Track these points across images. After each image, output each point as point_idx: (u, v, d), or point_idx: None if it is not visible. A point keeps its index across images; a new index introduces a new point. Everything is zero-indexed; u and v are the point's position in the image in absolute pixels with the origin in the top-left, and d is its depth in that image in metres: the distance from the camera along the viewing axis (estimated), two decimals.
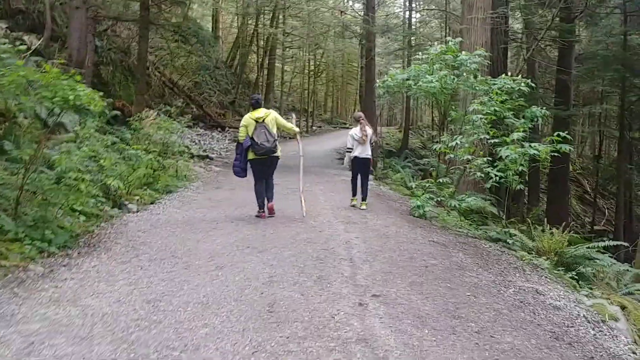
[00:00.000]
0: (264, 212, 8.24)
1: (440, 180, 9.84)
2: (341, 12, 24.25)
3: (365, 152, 9.28)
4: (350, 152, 9.44)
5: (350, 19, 25.81)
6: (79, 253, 5.74)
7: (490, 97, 9.87)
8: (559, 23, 17.56)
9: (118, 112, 13.32)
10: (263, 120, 7.80)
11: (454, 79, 11.43)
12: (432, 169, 14.51)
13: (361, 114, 10.23)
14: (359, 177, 9.46)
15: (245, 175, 8.17)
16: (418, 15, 30.65)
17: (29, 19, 17.16)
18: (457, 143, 8.85)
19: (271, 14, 31.75)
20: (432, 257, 6.18)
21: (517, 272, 6.06)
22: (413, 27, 26.21)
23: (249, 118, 7.94)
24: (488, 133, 8.62)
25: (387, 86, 12.27)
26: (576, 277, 6.45)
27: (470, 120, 9.34)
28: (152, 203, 9.27)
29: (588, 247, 7.17)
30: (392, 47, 26.45)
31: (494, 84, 10.86)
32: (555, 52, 23.21)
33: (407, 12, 27.76)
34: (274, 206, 8.36)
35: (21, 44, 15.87)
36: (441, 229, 8.53)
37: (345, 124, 44.77)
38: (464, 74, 11.63)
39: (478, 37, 15.41)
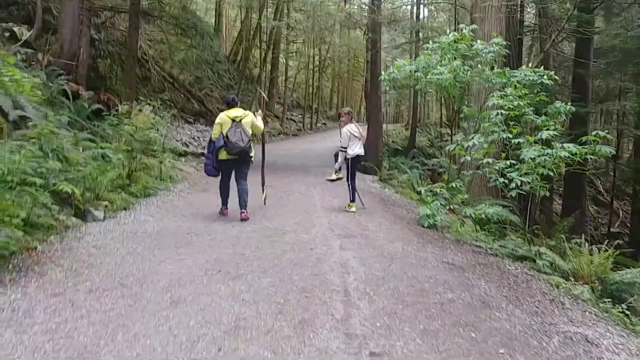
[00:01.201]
0: (227, 208, 7.95)
1: (453, 184, 8.50)
2: (345, 1, 22.75)
3: (361, 149, 8.84)
4: (344, 150, 8.83)
5: (355, 10, 24.39)
6: (1, 281, 4.46)
7: (509, 91, 8.56)
8: (578, 13, 16.11)
9: (100, 106, 12.01)
10: (240, 120, 7.45)
11: (467, 70, 10.11)
12: (441, 170, 13.15)
13: (350, 109, 9.71)
14: (353, 176, 8.91)
15: (217, 175, 7.80)
16: (426, 11, 29.29)
17: (24, 9, 16.01)
18: (473, 143, 7.49)
19: (275, 7, 30.41)
20: (448, 289, 4.85)
21: (556, 308, 4.71)
22: (420, 20, 24.76)
23: (225, 116, 7.51)
24: (510, 132, 7.27)
25: (393, 79, 10.95)
26: (627, 310, 5.10)
27: (488, 116, 8.00)
28: (124, 209, 7.98)
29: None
30: (399, 40, 25.01)
31: (514, 77, 9.56)
32: (569, 46, 21.82)
33: (415, 6, 26.31)
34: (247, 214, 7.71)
35: (9, 35, 14.66)
36: (455, 243, 7.20)
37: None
38: (479, 65, 10.32)
39: (492, 26, 14.03)
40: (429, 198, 8.61)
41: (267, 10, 30.21)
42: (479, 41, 10.19)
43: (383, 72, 11.40)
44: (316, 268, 5.24)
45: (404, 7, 26.44)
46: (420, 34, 23.14)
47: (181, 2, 23.93)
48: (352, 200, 8.86)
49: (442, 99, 26.56)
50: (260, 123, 7.88)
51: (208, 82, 29.27)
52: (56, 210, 6.58)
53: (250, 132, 7.56)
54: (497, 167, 6.83)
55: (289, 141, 25.91)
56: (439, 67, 9.99)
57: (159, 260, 5.34)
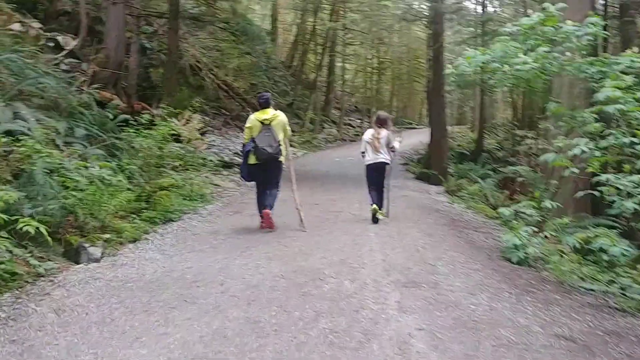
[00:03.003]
0: (266, 210, 7.02)
1: (548, 204, 6.36)
2: None
3: (379, 157, 7.85)
4: (364, 155, 8.13)
5: (415, 2, 22.17)
6: None
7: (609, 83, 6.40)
8: None
9: (128, 116, 10.53)
10: (269, 123, 6.88)
11: (558, 57, 7.95)
12: (521, 179, 10.90)
13: (385, 114, 8.60)
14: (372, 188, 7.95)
15: (250, 179, 7.28)
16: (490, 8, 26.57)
17: (75, 20, 14.90)
18: (582, 150, 5.32)
19: (331, 8, 28.66)
20: None
21: None
22: (485, 12, 22.26)
23: (254, 119, 6.99)
24: (635, 134, 5.10)
25: (462, 73, 8.90)
26: None
27: (592, 115, 5.87)
28: (133, 241, 6.37)
29: None
30: (464, 35, 22.59)
31: (615, 64, 7.37)
32: None
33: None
34: (272, 218, 7.07)
35: (54, 45, 13.51)
36: (561, 290, 5.08)
37: (411, 124, 41.01)
38: (567, 52, 8.12)
39: (575, 7, 11.58)
40: (515, 222, 6.52)
41: (322, 13, 28.54)
42: (568, 22, 7.97)
43: (449, 66, 9.38)
44: (361, 351, 3.33)
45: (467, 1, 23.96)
46: (488, 27, 20.74)
47: (232, 6, 22.51)
48: (380, 207, 7.91)
49: (512, 98, 23.92)
50: (289, 134, 7.30)
51: (263, 89, 27.82)
52: (28, 251, 5.00)
53: (282, 135, 6.97)
54: (622, 185, 4.66)
55: (345, 147, 23.98)
56: (520, 55, 7.87)
57: (134, 336, 3.58)
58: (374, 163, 7.89)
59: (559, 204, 6.56)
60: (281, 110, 7.49)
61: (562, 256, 6.14)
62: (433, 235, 6.93)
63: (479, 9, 23.77)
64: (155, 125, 8.72)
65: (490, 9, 24.94)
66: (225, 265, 5.37)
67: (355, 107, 37.73)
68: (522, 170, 9.78)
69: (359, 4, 27.97)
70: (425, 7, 19.09)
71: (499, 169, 15.46)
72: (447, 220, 8.25)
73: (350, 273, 5.08)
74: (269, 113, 6.94)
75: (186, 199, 8.70)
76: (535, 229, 6.29)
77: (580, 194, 5.69)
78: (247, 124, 7.02)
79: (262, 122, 6.86)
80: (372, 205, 7.78)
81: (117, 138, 9.10)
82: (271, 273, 5.07)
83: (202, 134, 18.08)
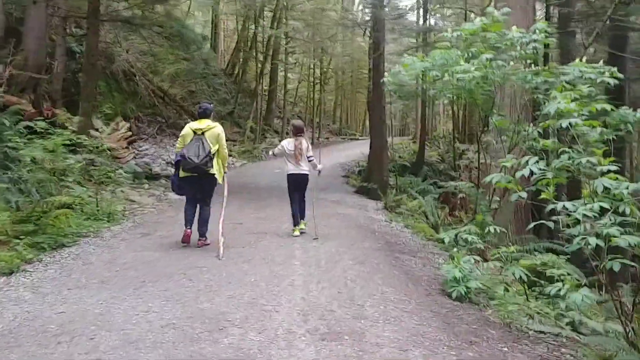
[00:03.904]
0: (190, 229, 6.59)
1: (492, 229, 5.58)
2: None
3: (300, 168, 7.56)
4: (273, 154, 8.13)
5: (356, 11, 21.54)
6: None
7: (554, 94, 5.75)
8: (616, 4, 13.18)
9: (30, 123, 9.21)
10: (202, 133, 6.48)
11: (502, 66, 7.31)
12: (462, 195, 10.22)
13: (301, 123, 8.29)
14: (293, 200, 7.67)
15: (184, 194, 6.77)
16: (432, 20, 26.31)
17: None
18: (537, 170, 4.50)
19: (272, 15, 27.76)
20: None
21: None
22: (427, 22, 21.86)
23: (188, 128, 6.62)
24: (593, 153, 4.35)
25: (399, 82, 8.17)
26: None
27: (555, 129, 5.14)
28: (9, 273, 5.22)
29: None
30: (405, 45, 22.12)
31: (564, 74, 6.78)
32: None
33: (422, 9, 23.46)
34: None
35: None
36: (510, 340, 4.24)
37: (354, 134, 40.48)
38: (510, 62, 7.50)
39: (519, 18, 11.13)
40: (455, 249, 5.72)
41: (263, 20, 27.60)
42: (514, 28, 7.33)
43: (386, 74, 8.62)
44: None
45: (408, 7, 23.51)
46: (429, 39, 20.34)
47: (166, 9, 21.20)
48: (302, 217, 7.83)
49: (453, 109, 23.61)
50: (225, 150, 6.76)
51: (202, 97, 26.52)
52: None
53: (214, 147, 6.48)
54: (580, 214, 3.87)
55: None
56: (461, 62, 7.15)
57: None
58: (296, 174, 7.55)
59: (502, 229, 5.80)
60: (222, 119, 7.04)
61: (507, 289, 5.36)
62: (366, 264, 6.03)
63: (421, 21, 23.49)
64: (50, 134, 7.50)
65: (432, 21, 24.76)
66: (107, 310, 4.28)
67: (299, 116, 36.89)
68: (463, 186, 9.06)
69: (301, 13, 27.22)
70: (366, 13, 18.37)
71: (440, 183, 14.88)
72: (383, 244, 7.38)
73: (260, 319, 4.10)
74: (204, 123, 6.56)
75: (89, 218, 7.54)
76: (477, 258, 5.49)
77: (531, 225, 4.89)
78: (182, 132, 6.65)
79: (194, 132, 6.48)
80: (295, 226, 7.65)
81: (12, 148, 7.81)
82: (162, 320, 4.03)
83: (130, 142, 16.75)
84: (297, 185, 7.62)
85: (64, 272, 5.41)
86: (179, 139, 6.70)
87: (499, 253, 5.49)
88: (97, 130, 12.72)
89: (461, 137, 24.85)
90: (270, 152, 8.47)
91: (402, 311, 4.49)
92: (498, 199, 8.49)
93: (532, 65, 7.56)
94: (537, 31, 7.06)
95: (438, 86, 8.04)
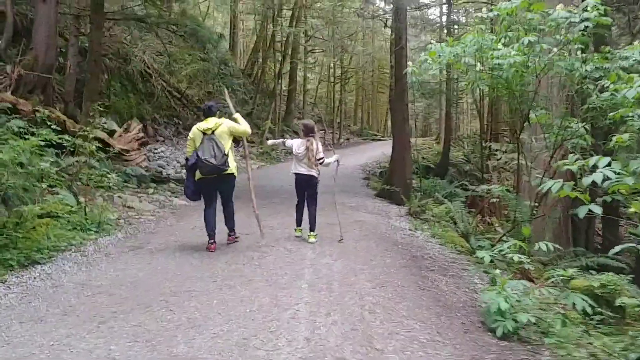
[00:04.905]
0: (214, 243, 6.32)
1: (544, 246, 4.46)
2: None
3: (311, 170, 6.87)
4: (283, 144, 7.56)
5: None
6: None
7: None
8: None
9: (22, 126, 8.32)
10: (212, 132, 6.17)
11: (548, 50, 6.20)
12: (495, 199, 9.05)
13: (312, 123, 7.40)
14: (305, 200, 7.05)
15: (198, 199, 6.44)
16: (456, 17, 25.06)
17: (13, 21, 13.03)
18: (612, 175, 3.37)
19: (291, 14, 26.78)
20: None
21: None
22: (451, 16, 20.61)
23: (196, 129, 6.29)
24: None
25: (425, 70, 7.08)
26: None
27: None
28: None
29: None
30: (427, 41, 20.95)
31: (623, 59, 5.67)
32: None
33: (444, 5, 22.23)
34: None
35: None
36: None
37: (376, 135, 39.24)
38: (554, 47, 6.38)
39: None
40: (497, 271, 4.61)
41: (281, 19, 26.65)
42: (559, 6, 6.17)
43: (410, 64, 7.51)
44: None
45: (432, 6, 22.26)
46: (452, 34, 19.15)
47: (180, 6, 20.35)
48: (298, 225, 7.22)
49: (478, 107, 22.25)
50: (242, 125, 6.52)
51: (220, 97, 25.73)
52: None
53: (229, 143, 6.28)
54: None
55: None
56: (499, 46, 6.04)
57: None
58: (304, 174, 6.89)
59: (557, 247, 4.66)
60: None
61: (564, 322, 4.23)
62: (387, 287, 4.93)
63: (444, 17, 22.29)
64: (32, 134, 6.57)
65: (454, 17, 23.48)
66: (56, 355, 3.29)
67: (320, 118, 35.88)
68: (496, 190, 7.91)
69: (320, 11, 26.23)
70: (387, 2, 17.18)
71: (467, 185, 13.68)
72: (408, 259, 6.27)
73: None
74: (212, 122, 6.23)
75: (75, 229, 6.59)
76: (526, 283, 4.37)
77: (617, 248, 3.73)
78: (190, 135, 6.31)
79: (204, 132, 6.16)
80: (298, 227, 7.22)
81: None
82: None
83: (142, 144, 15.93)
84: (306, 186, 6.98)
85: (26, 297, 4.45)
86: (188, 142, 6.37)
87: (552, 276, 4.36)
88: (104, 130, 11.93)
89: (486, 137, 23.54)
90: (280, 141, 7.87)
91: (434, 350, 3.40)
92: (537, 204, 7.37)
93: (581, 51, 6.39)
94: (589, 8, 5.85)
95: (470, 76, 6.95)
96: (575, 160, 3.69)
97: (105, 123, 12.77)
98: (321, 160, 6.81)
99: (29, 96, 11.90)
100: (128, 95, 19.19)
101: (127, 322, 3.88)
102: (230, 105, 7.13)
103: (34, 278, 5.00)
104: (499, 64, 5.95)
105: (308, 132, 6.93)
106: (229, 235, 6.63)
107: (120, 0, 21.09)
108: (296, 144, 6.96)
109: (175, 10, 21.43)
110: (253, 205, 6.81)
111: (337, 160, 7.19)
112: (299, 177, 6.94)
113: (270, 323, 3.91)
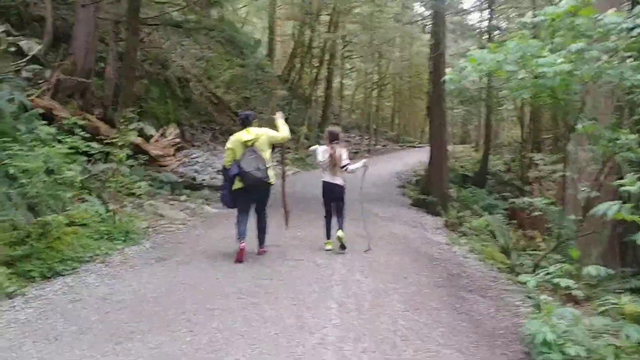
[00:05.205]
0: (244, 245, 6.09)
1: (593, 269, 4.07)
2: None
3: (336, 179, 6.74)
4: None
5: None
6: None
7: None
8: None
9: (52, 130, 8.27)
10: (252, 144, 6.07)
11: (597, 58, 5.77)
12: (536, 213, 8.56)
13: (337, 129, 7.19)
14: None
15: (236, 206, 6.34)
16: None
17: (53, 26, 13.20)
18: None
19: (329, 20, 26.58)
20: None
21: None
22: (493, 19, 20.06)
23: (235, 140, 6.17)
24: None
25: (465, 77, 6.70)
26: None
27: None
28: None
29: None
30: (466, 48, 20.43)
31: None
32: None
33: (485, 11, 21.67)
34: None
35: (15, 50, 11.37)
36: None
37: (413, 142, 38.64)
38: (603, 55, 5.92)
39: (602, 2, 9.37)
40: (543, 297, 4.22)
41: (318, 24, 26.48)
42: (610, 11, 5.73)
43: (448, 70, 7.16)
44: None
45: (472, 11, 21.74)
46: (493, 40, 18.58)
47: (219, 12, 20.40)
48: (328, 238, 6.93)
49: (520, 114, 21.56)
50: (283, 131, 6.36)
51: (257, 103, 25.73)
52: None
53: (269, 153, 6.26)
54: None
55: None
56: (546, 52, 5.65)
57: None
58: (330, 183, 6.77)
59: (608, 271, 4.24)
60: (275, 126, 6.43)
61: (617, 355, 3.83)
62: (422, 310, 4.60)
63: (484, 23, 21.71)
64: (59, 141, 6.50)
65: (494, 22, 22.86)
66: None
67: (356, 124, 35.54)
68: (539, 203, 7.45)
69: (358, 16, 25.93)
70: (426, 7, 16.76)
71: (507, 196, 13.12)
72: (445, 277, 5.91)
73: None
74: (252, 132, 6.16)
75: (102, 237, 6.47)
76: (576, 312, 3.98)
77: None
78: (228, 145, 6.26)
79: (244, 144, 6.08)
80: (328, 240, 6.92)
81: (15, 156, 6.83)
82: None
83: (178, 149, 15.96)
84: (332, 195, 6.84)
85: (44, 313, 4.30)
86: (227, 152, 6.30)
87: (605, 305, 3.96)
88: (140, 136, 11.96)
89: (527, 146, 22.81)
90: (312, 148, 7.44)
91: None
92: (582, 218, 6.89)
93: (632, 58, 5.92)
94: None
95: (512, 84, 6.56)
96: (637, 180, 3.30)
97: (142, 128, 12.82)
98: (345, 167, 6.57)
99: (68, 100, 12.03)
100: (166, 100, 19.31)
101: (144, 343, 3.68)
102: (280, 126, 6.52)
103: (55, 291, 4.86)
104: (543, 71, 5.55)
105: (332, 139, 6.75)
106: (260, 248, 6.54)
107: (159, 7, 21.27)
108: (320, 151, 6.82)
109: (214, 16, 21.54)
110: (285, 203, 6.84)
111: (365, 166, 6.89)
112: (325, 186, 6.82)
113: (295, 349, 3.65)
